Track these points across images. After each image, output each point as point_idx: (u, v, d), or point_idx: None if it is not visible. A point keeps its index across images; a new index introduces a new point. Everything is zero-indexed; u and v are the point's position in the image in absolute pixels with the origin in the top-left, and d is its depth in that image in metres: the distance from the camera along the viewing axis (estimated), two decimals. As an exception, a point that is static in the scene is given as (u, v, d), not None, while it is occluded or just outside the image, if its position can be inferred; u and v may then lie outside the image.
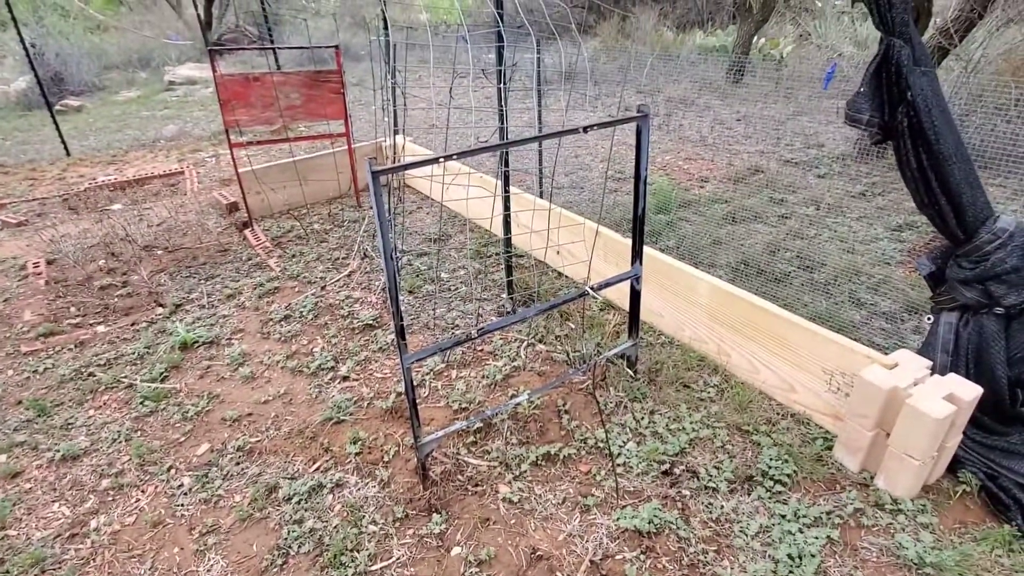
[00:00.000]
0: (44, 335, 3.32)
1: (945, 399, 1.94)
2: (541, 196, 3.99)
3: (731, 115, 6.84)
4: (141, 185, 5.69)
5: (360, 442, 2.45)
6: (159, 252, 4.25)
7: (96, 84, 11.23)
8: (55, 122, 7.03)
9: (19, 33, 7.15)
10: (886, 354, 2.20)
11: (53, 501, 2.29)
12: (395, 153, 3.93)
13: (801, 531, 1.99)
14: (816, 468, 2.22)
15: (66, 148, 6.92)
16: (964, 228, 1.92)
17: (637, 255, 2.49)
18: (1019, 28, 5.76)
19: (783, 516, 2.04)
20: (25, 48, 7.24)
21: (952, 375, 2.06)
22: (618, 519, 2.05)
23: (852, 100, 2.00)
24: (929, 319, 2.23)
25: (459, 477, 2.27)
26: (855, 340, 2.32)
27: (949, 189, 1.88)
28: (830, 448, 2.29)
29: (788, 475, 2.19)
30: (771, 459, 2.25)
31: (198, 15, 7.16)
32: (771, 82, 6.78)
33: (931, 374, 2.09)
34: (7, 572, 2.00)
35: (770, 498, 2.12)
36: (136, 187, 5.64)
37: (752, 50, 8.49)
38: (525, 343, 3.04)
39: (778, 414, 2.50)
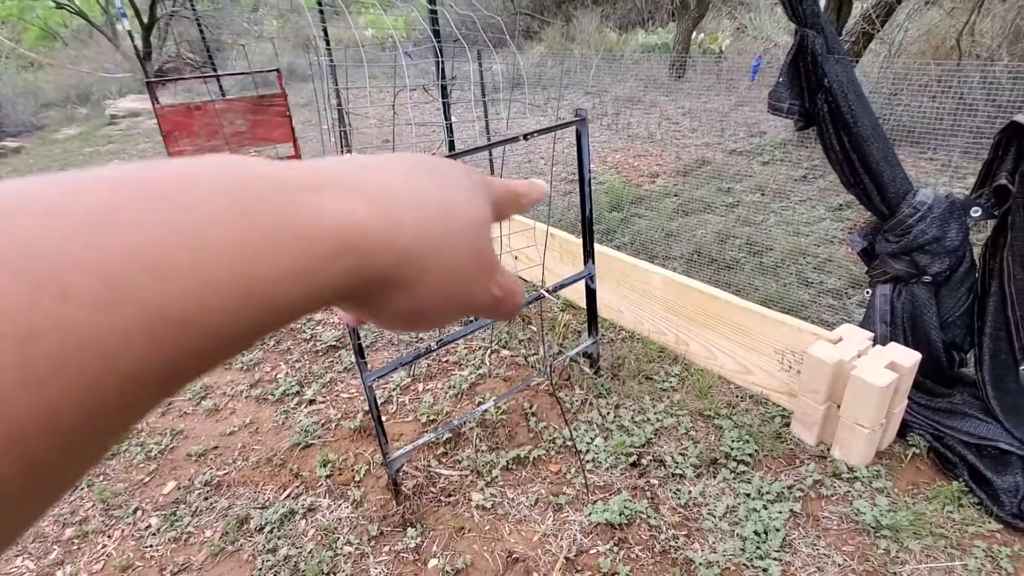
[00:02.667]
0: (-6, 387, 3.21)
1: (887, 367, 2.04)
2: (496, 204, 4.03)
3: (676, 110, 7.02)
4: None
5: (330, 464, 2.44)
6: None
7: (34, 123, 10.91)
8: (-8, 166, 6.80)
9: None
10: (831, 330, 2.29)
11: (16, 556, 2.22)
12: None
13: (765, 507, 2.06)
14: (776, 445, 2.30)
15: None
16: (887, 204, 2.03)
17: (589, 254, 2.54)
18: (938, 9, 6.06)
19: (748, 495, 2.11)
20: (-46, 92, 6.98)
21: (892, 344, 2.16)
22: (590, 514, 2.09)
23: (773, 90, 2.09)
24: (868, 292, 2.34)
25: (431, 489, 2.29)
26: (804, 319, 2.42)
27: (870, 168, 1.98)
28: (787, 425, 2.38)
29: (750, 455, 2.26)
30: (733, 441, 2.32)
31: (135, 47, 7.02)
32: (712, 76, 6.99)
33: (873, 345, 2.19)
34: (-30, 635, 1.93)
35: (734, 479, 2.19)
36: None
37: (692, 46, 8.73)
38: (489, 350, 3.07)
39: (737, 397, 2.58)
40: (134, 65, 13.65)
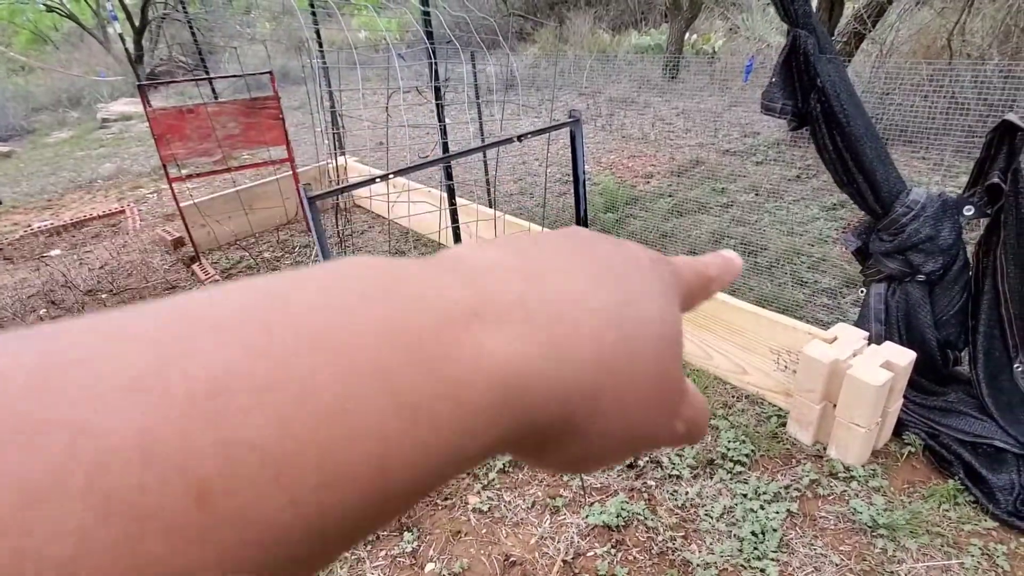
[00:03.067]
0: (-15, 393, 3.18)
1: (882, 367, 2.04)
2: (491, 205, 4.03)
3: (670, 111, 7.03)
4: (80, 228, 5.50)
5: (325, 469, 2.42)
6: (103, 296, 4.12)
7: (24, 127, 10.84)
8: (-18, 170, 6.75)
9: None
10: (827, 329, 2.30)
11: None
12: (338, 175, 3.91)
13: (762, 507, 2.06)
14: (772, 445, 2.30)
15: (-4, 196, 6.65)
16: (881, 203, 2.03)
17: (584, 256, 2.54)
18: (929, 9, 6.10)
19: (744, 495, 2.11)
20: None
21: (887, 343, 2.17)
22: (587, 516, 2.08)
23: (766, 90, 2.10)
24: (862, 291, 2.34)
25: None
26: (800, 319, 2.42)
27: (863, 167, 1.98)
28: (784, 425, 2.38)
29: (747, 455, 2.26)
30: (730, 441, 2.32)
31: (126, 50, 6.99)
32: (705, 76, 7.00)
33: (868, 344, 2.19)
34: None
35: (731, 479, 2.19)
36: (75, 231, 5.46)
37: (685, 47, 8.75)
38: (485, 352, 3.06)
39: (733, 397, 2.58)
40: (125, 68, 13.58)
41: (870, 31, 4.92)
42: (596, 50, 9.94)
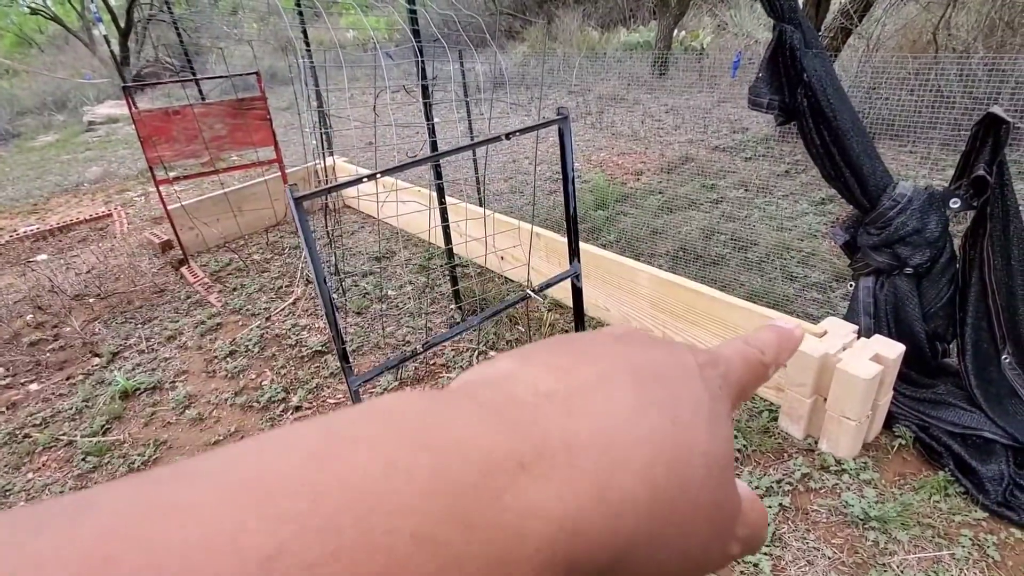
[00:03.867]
0: (-29, 401, 3.14)
1: (872, 360, 2.05)
2: (481, 204, 4.02)
3: (660, 108, 7.04)
4: (66, 232, 5.45)
5: (317, 471, 2.41)
6: (91, 300, 4.08)
7: (10, 131, 10.72)
8: (-34, 175, 6.67)
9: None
10: (816, 323, 2.30)
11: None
12: (327, 175, 3.89)
13: (755, 502, 2.06)
14: (764, 440, 2.31)
15: (-19, 201, 6.57)
16: (868, 197, 2.04)
17: (574, 253, 2.53)
18: (915, 4, 6.14)
19: (737, 490, 2.11)
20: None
21: (876, 336, 2.17)
22: (580, 514, 2.08)
23: (753, 85, 2.10)
24: (851, 286, 2.35)
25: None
26: (790, 313, 2.43)
27: (851, 161, 1.99)
28: (775, 419, 2.39)
29: (739, 449, 2.27)
30: (721, 436, 2.32)
31: (111, 52, 6.93)
32: (694, 73, 7.02)
33: (857, 337, 2.20)
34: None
35: (724, 474, 2.19)
36: (61, 235, 5.40)
37: (674, 43, 8.77)
38: (477, 351, 3.06)
39: (725, 392, 2.58)
40: (111, 70, 13.46)
41: (856, 26, 4.95)
42: (585, 48, 9.94)
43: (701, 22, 10.42)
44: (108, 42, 7.00)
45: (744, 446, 2.28)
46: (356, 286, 3.85)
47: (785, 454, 2.25)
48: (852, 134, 1.97)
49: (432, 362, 3.04)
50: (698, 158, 5.25)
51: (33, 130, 10.98)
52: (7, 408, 3.07)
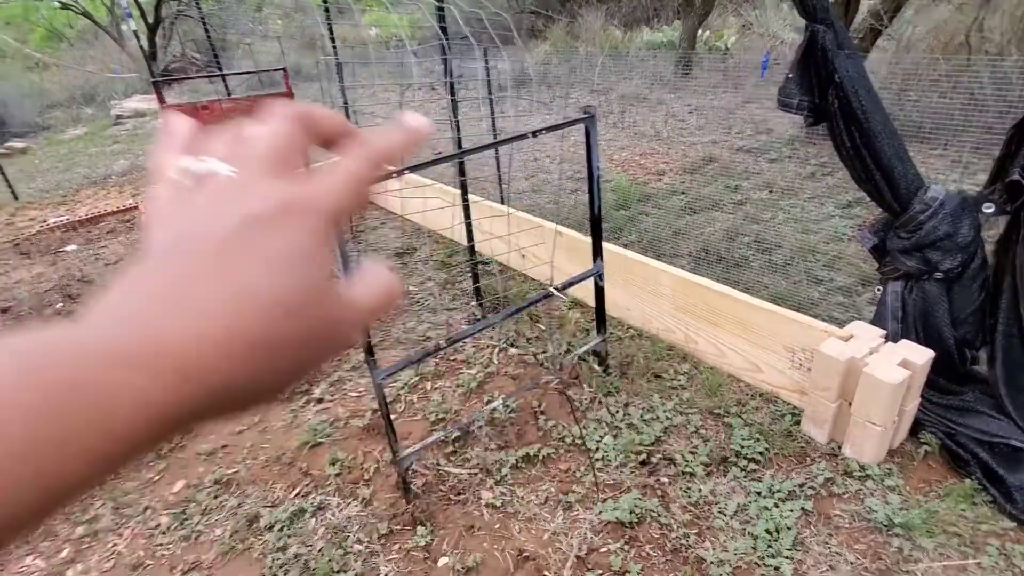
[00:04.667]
0: (4, 386, 3.22)
1: (899, 365, 2.02)
2: (503, 202, 4.03)
3: (683, 108, 6.99)
4: (95, 223, 5.56)
5: (339, 463, 2.44)
6: (119, 290, 4.16)
7: (40, 124, 10.96)
8: (-1, 166, 6.83)
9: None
10: (842, 327, 2.28)
11: (26, 555, 2.23)
12: (352, 171, 3.92)
13: (776, 506, 2.05)
14: (787, 443, 2.29)
15: (13, 192, 6.72)
16: (899, 200, 2.02)
17: (597, 252, 2.54)
18: (947, 5, 6.02)
19: (759, 493, 2.10)
20: (-39, 93, 7.02)
21: (904, 341, 2.15)
22: (600, 512, 2.09)
23: (783, 86, 2.08)
24: (879, 290, 2.32)
25: (441, 487, 2.28)
26: (814, 316, 2.41)
27: (881, 164, 1.97)
28: (798, 423, 2.37)
29: (761, 453, 2.25)
30: (743, 439, 2.31)
31: (140, 47, 7.06)
32: (718, 73, 6.96)
33: (885, 342, 2.18)
34: (-17, 633, 1.94)
35: (745, 477, 2.18)
36: (90, 226, 5.52)
37: (698, 43, 8.70)
38: (497, 348, 3.07)
39: (747, 395, 2.57)
40: (140, 65, 13.70)
41: (886, 27, 4.87)
42: (608, 47, 9.89)
43: (726, 22, 10.32)
44: (138, 37, 7.12)
45: (766, 449, 2.26)
46: (377, 281, 3.88)
47: (808, 458, 2.23)
48: (884, 136, 1.95)
49: (452, 358, 3.05)
50: (721, 159, 5.21)
51: (62, 123, 11.22)
52: (38, 394, 3.14)
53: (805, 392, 2.35)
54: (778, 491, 2.10)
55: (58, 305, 4.02)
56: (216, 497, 2.37)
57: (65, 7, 15.30)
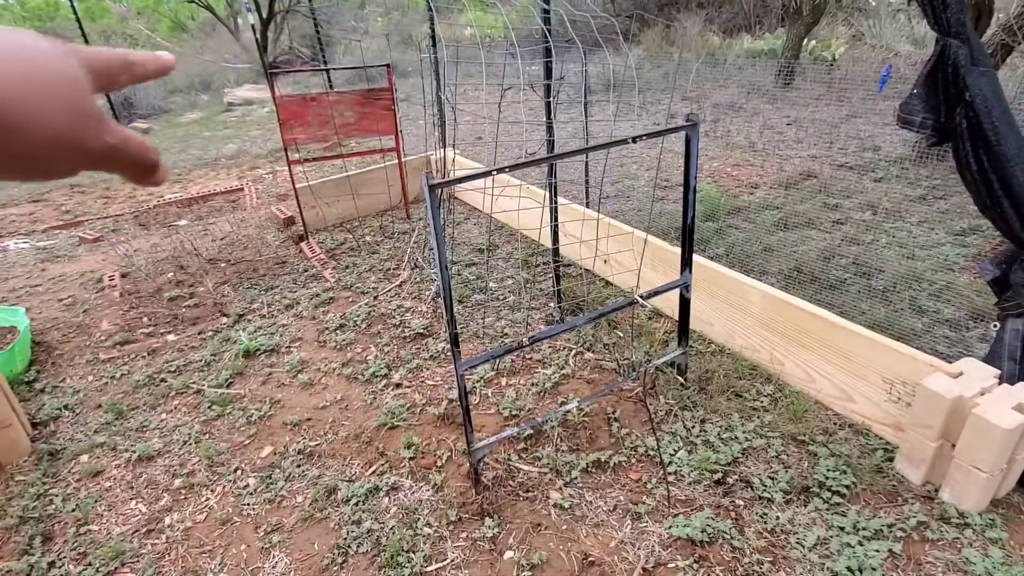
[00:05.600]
0: (120, 343, 3.55)
1: (1014, 409, 1.87)
2: (588, 206, 4.02)
3: (781, 119, 6.71)
4: (205, 201, 6.00)
5: (414, 447, 2.52)
6: (223, 265, 4.48)
7: (162, 107, 11.92)
8: (127, 144, 7.48)
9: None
10: (950, 362, 2.12)
11: (131, 499, 2.44)
12: (444, 166, 4.03)
13: (861, 543, 1.94)
14: (876, 480, 2.16)
15: (136, 168, 7.35)
16: (1031, 231, 1.85)
17: (687, 263, 2.49)
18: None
19: (842, 528, 2.00)
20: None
21: (1022, 384, 1.98)
22: (670, 527, 2.05)
23: (905, 102, 1.96)
24: (995, 326, 2.14)
25: (510, 483, 2.31)
26: (917, 349, 2.26)
27: (1012, 191, 1.81)
28: (891, 459, 2.23)
29: (847, 486, 2.14)
30: (828, 470, 2.20)
31: (256, 39, 7.54)
32: (823, 85, 6.62)
33: (999, 383, 2.01)
34: (90, 564, 2.15)
35: (827, 509, 2.07)
36: (200, 203, 5.96)
37: (802, 53, 8.31)
38: (574, 351, 3.07)
39: (835, 424, 2.44)
40: (251, 56, 14.63)
41: (1021, 43, 4.48)
42: (704, 53, 9.63)
43: (835, 31, 9.80)
44: (254, 30, 7.61)
45: (853, 483, 2.14)
46: (459, 275, 3.98)
47: (899, 498, 2.10)
48: (1017, 162, 1.80)
49: (528, 357, 3.08)
50: (821, 175, 4.96)
51: (181, 107, 12.16)
52: (148, 354, 3.44)
53: (902, 428, 2.21)
54: (864, 528, 1.99)
55: (170, 274, 4.37)
56: (299, 466, 2.51)
57: (191, 0, 16.56)
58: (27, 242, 5.32)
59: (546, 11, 2.58)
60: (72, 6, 10.16)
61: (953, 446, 1.99)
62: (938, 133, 1.96)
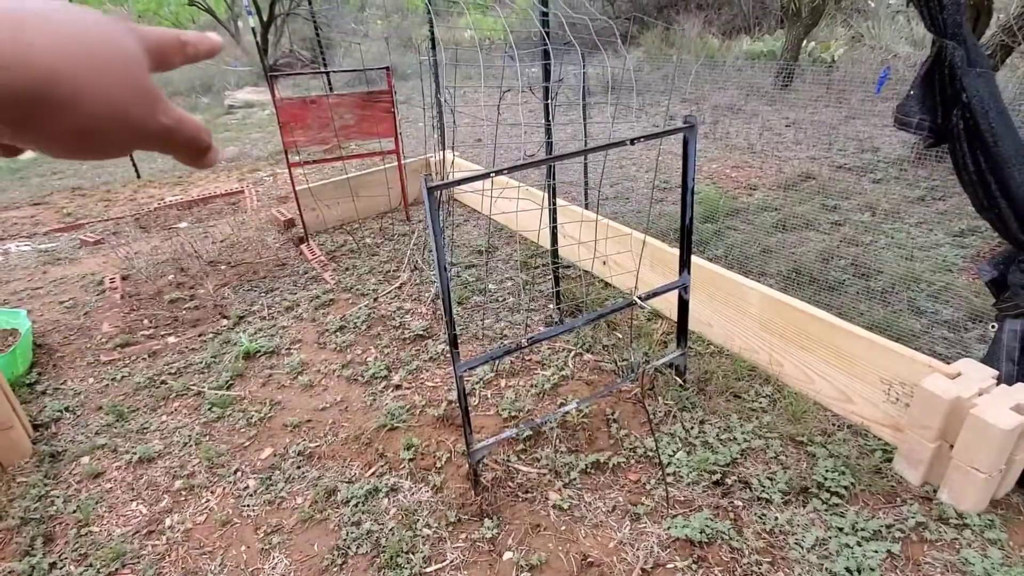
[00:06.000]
0: (121, 346, 3.55)
1: (1012, 410, 1.87)
2: (587, 207, 4.03)
3: (780, 121, 6.72)
4: (205, 204, 6.01)
5: (413, 448, 2.53)
6: (223, 267, 4.49)
7: (163, 110, 11.91)
8: (127, 147, 7.49)
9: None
10: (948, 363, 2.13)
11: (131, 500, 2.45)
12: (444, 168, 4.04)
13: (860, 544, 1.94)
14: (875, 480, 2.17)
15: (136, 171, 7.37)
16: (1028, 232, 1.86)
17: (685, 264, 2.49)
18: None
19: (840, 529, 2.00)
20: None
21: (1020, 384, 1.98)
22: (669, 528, 2.05)
23: (902, 103, 1.97)
24: (993, 327, 2.15)
25: (509, 484, 2.32)
26: (916, 349, 2.26)
27: (1010, 192, 1.82)
28: (889, 460, 2.23)
29: (845, 487, 2.14)
30: (827, 471, 2.21)
31: (256, 42, 7.56)
32: (822, 86, 6.63)
33: (997, 384, 2.02)
34: (91, 565, 2.15)
35: (826, 510, 2.08)
36: (200, 206, 5.97)
37: (801, 54, 8.32)
38: (573, 353, 3.07)
39: (834, 425, 2.44)
40: (252, 59, 14.65)
41: (1020, 44, 4.48)
42: (704, 55, 9.65)
43: (834, 33, 9.81)
44: (255, 33, 7.63)
45: (851, 484, 2.15)
46: (458, 277, 3.98)
47: (898, 499, 2.10)
48: (1014, 163, 1.81)
49: (528, 358, 3.09)
50: (820, 176, 4.97)
51: (182, 109, 12.17)
52: (149, 356, 3.44)
53: (900, 429, 2.22)
54: (862, 529, 1.99)
55: (171, 277, 4.38)
56: (299, 467, 2.51)
57: (192, 3, 16.58)
58: (29, 244, 5.33)
59: (544, 14, 2.59)
60: (73, 9, 10.18)
61: (951, 447, 2.00)
62: (935, 134, 1.97)
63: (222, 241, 4.94)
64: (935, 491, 2.09)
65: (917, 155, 4.76)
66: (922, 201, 4.32)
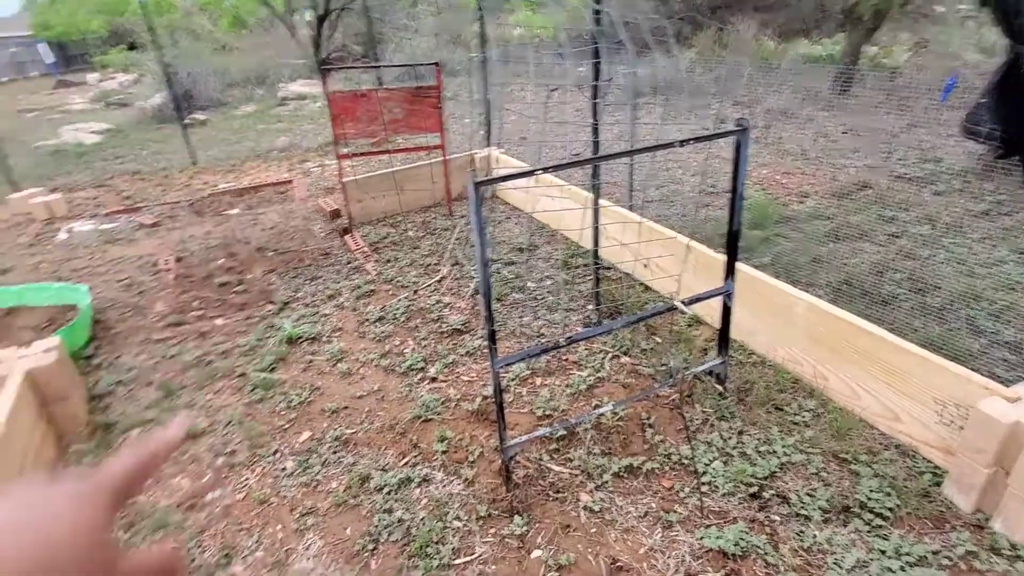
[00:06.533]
0: (172, 325, 3.69)
1: (1078, 439, 1.77)
2: (631, 209, 3.98)
3: (836, 127, 6.50)
4: (255, 192, 6.19)
5: (447, 441, 2.55)
6: (270, 254, 4.61)
7: (219, 100, 12.34)
8: (185, 135, 7.80)
9: (160, 56, 8.03)
10: (1008, 386, 2.02)
11: (177, 474, 2.54)
12: (489, 165, 4.06)
13: (903, 569, 1.87)
14: (922, 504, 2.08)
15: (193, 158, 7.65)
16: (1106, 252, 1.75)
17: (730, 271, 2.44)
18: None
19: (883, 551, 1.93)
20: (164, 68, 8.11)
21: (1088, 413, 1.86)
22: (702, 538, 2.01)
23: (971, 112, 1.87)
24: (1061, 351, 2.03)
25: (541, 482, 2.31)
26: (973, 370, 2.15)
27: (1088, 209, 1.72)
28: (939, 484, 2.14)
29: (890, 509, 2.06)
30: (871, 490, 2.13)
31: (313, 36, 7.73)
32: (882, 93, 6.39)
33: (1062, 411, 1.90)
34: (137, 532, 2.24)
35: (868, 531, 2.00)
36: (251, 194, 6.15)
37: (862, 59, 8.03)
38: (610, 355, 3.05)
39: (880, 444, 2.35)
40: (306, 52, 15.00)
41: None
42: (758, 57, 9.41)
43: (897, 38, 9.43)
44: (311, 27, 7.81)
45: (897, 506, 2.06)
46: (498, 273, 3.99)
47: (947, 524, 2.01)
48: (1094, 177, 1.70)
49: (564, 358, 3.07)
50: (877, 186, 4.78)
51: (238, 100, 12.57)
52: (198, 336, 3.57)
53: (952, 452, 2.12)
54: (907, 554, 1.91)
55: (221, 260, 4.53)
56: (335, 452, 2.57)
57: (251, -3, 17.11)
58: (91, 224, 5.60)
59: (597, 12, 2.57)
60: (140, 1, 10.62)
61: (1008, 473, 1.90)
62: (1006, 145, 1.86)
63: (270, 228, 5.08)
64: (988, 519, 1.99)
65: (984, 166, 4.53)
66: (986, 215, 4.11)
